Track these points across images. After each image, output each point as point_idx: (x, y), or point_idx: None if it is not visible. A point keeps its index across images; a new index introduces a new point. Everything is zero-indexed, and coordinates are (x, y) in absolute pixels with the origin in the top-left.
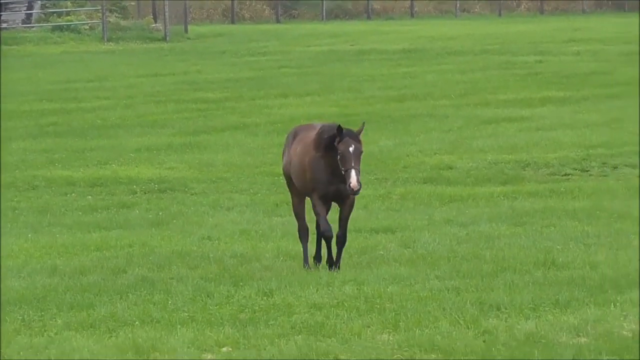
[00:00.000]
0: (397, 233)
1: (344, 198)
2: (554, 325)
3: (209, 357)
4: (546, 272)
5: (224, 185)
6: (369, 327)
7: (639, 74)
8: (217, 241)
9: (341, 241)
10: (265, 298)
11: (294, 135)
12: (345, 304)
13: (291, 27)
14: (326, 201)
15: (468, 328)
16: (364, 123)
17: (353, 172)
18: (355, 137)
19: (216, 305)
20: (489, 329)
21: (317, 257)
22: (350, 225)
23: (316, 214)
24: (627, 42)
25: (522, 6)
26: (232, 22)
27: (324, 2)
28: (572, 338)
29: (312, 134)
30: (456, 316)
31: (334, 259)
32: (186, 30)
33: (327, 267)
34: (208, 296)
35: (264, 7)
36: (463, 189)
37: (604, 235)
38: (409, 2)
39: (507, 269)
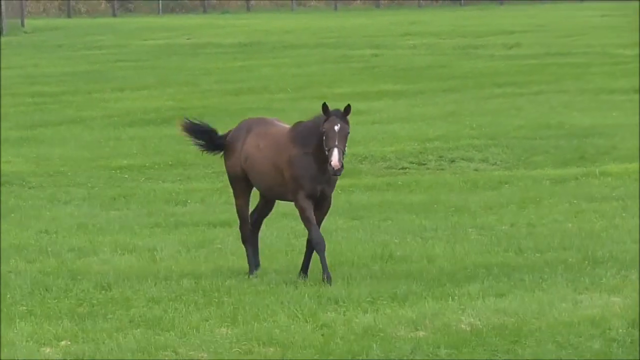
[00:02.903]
0: (235, 227)
1: (323, 200)
2: (392, 318)
3: (47, 350)
4: (384, 265)
5: (61, 179)
6: (207, 320)
7: (474, 68)
8: (54, 235)
9: (312, 249)
10: (103, 292)
11: (247, 129)
12: (184, 298)
13: (127, 21)
14: (312, 202)
15: (306, 321)
16: (349, 105)
17: (335, 151)
18: (342, 116)
19: (54, 299)
20: (327, 322)
21: (304, 269)
22: (186, 218)
23: (307, 220)
24: (462, 36)
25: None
26: (69, 16)
27: None
28: (410, 332)
29: (278, 129)
30: (294, 310)
31: (304, 263)
32: (23, 24)
33: (323, 279)
34: (46, 290)
35: (100, 0)
36: None
37: (441, 229)
38: None
39: (345, 263)
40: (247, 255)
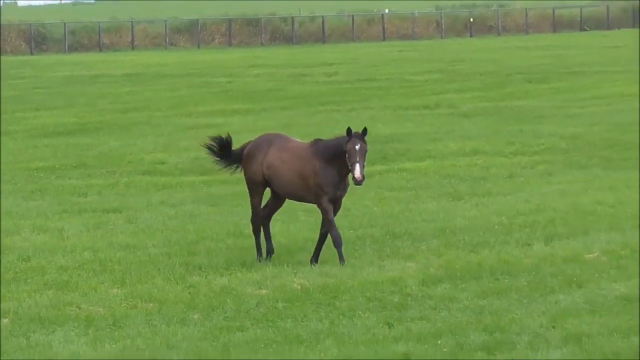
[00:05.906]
0: (124, 212)
1: (336, 202)
2: (242, 280)
3: None
4: (236, 240)
5: None
6: (103, 283)
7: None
8: None
9: (324, 239)
10: (24, 262)
11: (269, 143)
12: (85, 267)
13: (42, 58)
14: (332, 205)
15: (177, 283)
16: (365, 128)
17: (357, 166)
18: (361, 137)
19: None
20: (193, 283)
21: (315, 258)
22: (87, 206)
23: (330, 221)
24: (294, 67)
25: (216, 40)
26: None
27: (66, 38)
28: (256, 290)
29: (295, 144)
30: (168, 275)
31: (316, 253)
32: None
33: (340, 262)
34: None
35: (21, 42)
36: (173, 179)
37: (277, 213)
38: (130, 38)
39: (207, 238)
40: (256, 243)
